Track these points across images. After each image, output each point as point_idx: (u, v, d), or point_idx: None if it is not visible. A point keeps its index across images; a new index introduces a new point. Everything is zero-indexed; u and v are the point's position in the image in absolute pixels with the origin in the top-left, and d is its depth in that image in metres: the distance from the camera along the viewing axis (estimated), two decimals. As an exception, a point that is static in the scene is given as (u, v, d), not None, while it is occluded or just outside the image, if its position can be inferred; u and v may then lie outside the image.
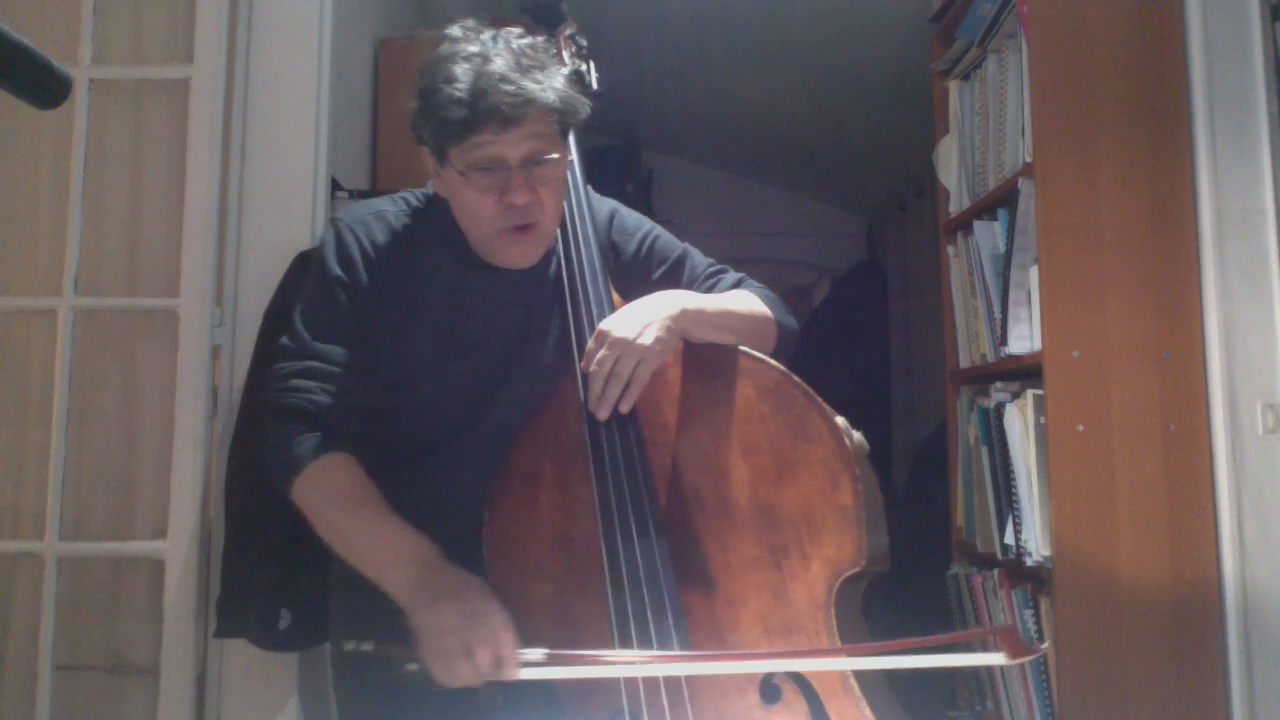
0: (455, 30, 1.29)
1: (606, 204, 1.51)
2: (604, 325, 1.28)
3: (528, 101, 1.22)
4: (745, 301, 1.42)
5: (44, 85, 0.66)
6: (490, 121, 1.22)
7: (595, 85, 1.57)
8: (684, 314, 1.30)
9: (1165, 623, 1.93)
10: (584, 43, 1.60)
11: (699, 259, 1.52)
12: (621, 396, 1.25)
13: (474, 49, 1.25)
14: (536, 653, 1.13)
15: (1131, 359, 1.98)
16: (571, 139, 1.42)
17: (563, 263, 1.38)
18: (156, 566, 2.05)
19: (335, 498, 1.25)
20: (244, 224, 2.16)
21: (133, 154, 2.18)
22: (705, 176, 5.33)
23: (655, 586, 1.19)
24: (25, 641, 2.03)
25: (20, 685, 2.02)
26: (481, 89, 1.21)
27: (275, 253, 2.11)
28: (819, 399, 1.24)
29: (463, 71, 1.23)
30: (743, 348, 1.30)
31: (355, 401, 1.32)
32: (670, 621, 1.18)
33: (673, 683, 1.17)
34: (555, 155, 1.28)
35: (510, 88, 1.21)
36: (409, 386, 1.36)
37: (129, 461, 2.10)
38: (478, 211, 1.29)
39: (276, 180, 2.17)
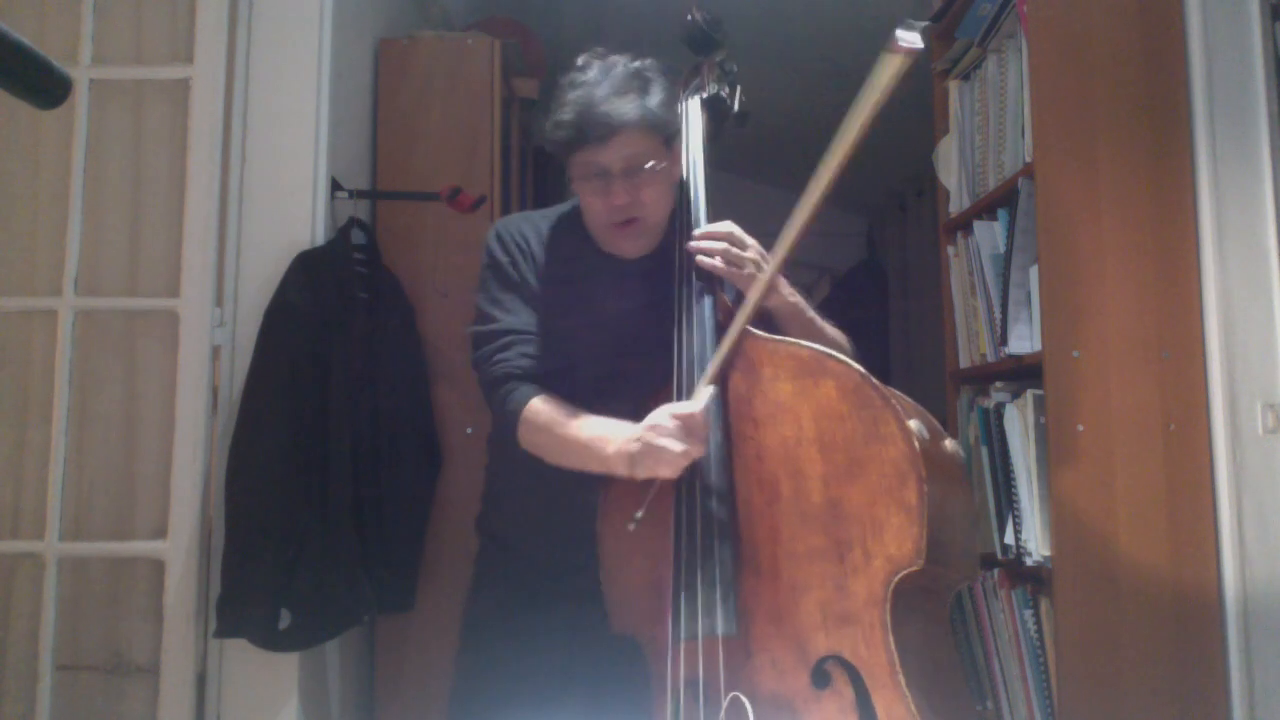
0: (579, 59, 1.54)
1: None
2: (732, 227, 1.51)
3: (614, 123, 1.46)
4: (829, 328, 1.61)
5: (44, 85, 0.66)
6: (588, 141, 1.47)
7: (737, 108, 1.70)
8: (783, 282, 1.53)
9: (1165, 623, 1.93)
10: (734, 68, 1.75)
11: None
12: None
13: (584, 77, 1.50)
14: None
15: (1131, 359, 1.98)
16: (697, 151, 1.62)
17: (678, 263, 1.57)
18: (156, 566, 2.05)
19: (553, 422, 1.48)
20: (244, 224, 2.16)
21: (133, 154, 2.18)
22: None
23: (710, 563, 1.31)
24: (25, 641, 2.03)
25: (20, 685, 2.02)
26: (581, 114, 1.47)
27: (275, 253, 2.11)
28: (895, 403, 1.29)
29: (570, 99, 1.49)
30: (829, 350, 1.37)
31: (545, 354, 1.57)
32: (718, 595, 1.29)
33: (712, 663, 1.27)
34: (651, 163, 1.49)
35: (601, 110, 1.46)
36: (548, 357, 1.57)
37: (129, 461, 2.11)
38: (591, 209, 1.55)
39: (276, 180, 2.18)
